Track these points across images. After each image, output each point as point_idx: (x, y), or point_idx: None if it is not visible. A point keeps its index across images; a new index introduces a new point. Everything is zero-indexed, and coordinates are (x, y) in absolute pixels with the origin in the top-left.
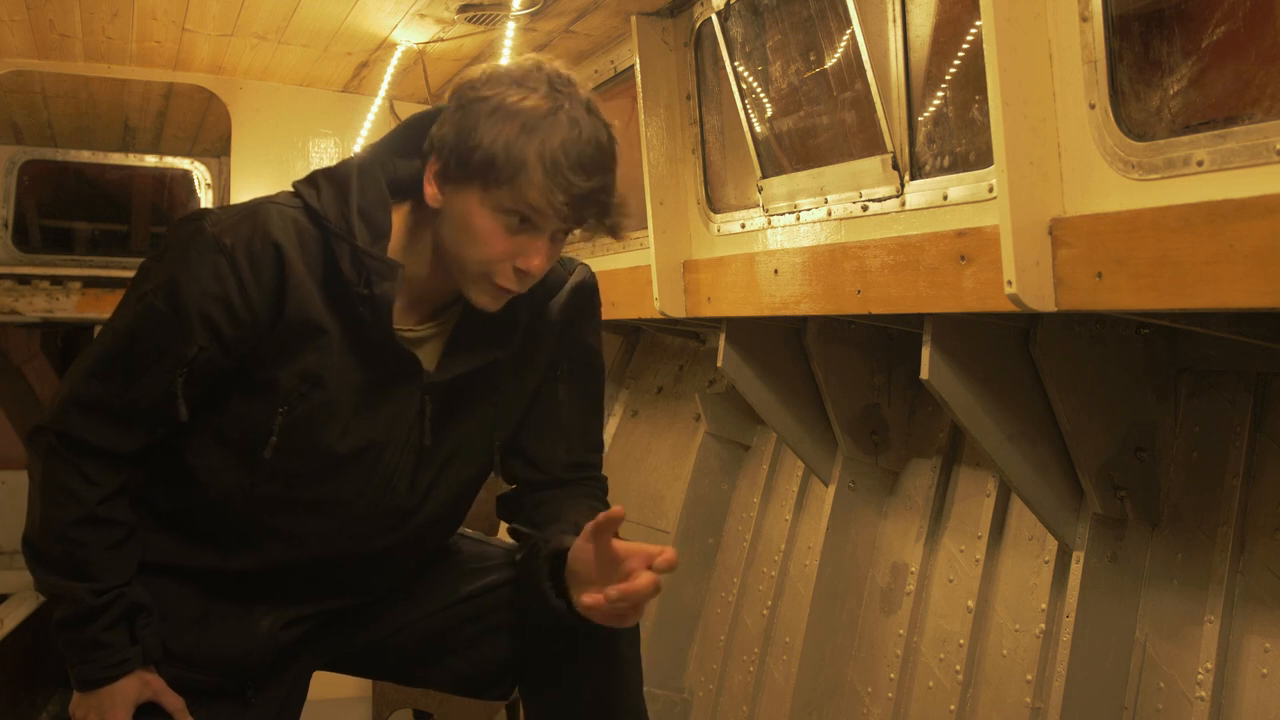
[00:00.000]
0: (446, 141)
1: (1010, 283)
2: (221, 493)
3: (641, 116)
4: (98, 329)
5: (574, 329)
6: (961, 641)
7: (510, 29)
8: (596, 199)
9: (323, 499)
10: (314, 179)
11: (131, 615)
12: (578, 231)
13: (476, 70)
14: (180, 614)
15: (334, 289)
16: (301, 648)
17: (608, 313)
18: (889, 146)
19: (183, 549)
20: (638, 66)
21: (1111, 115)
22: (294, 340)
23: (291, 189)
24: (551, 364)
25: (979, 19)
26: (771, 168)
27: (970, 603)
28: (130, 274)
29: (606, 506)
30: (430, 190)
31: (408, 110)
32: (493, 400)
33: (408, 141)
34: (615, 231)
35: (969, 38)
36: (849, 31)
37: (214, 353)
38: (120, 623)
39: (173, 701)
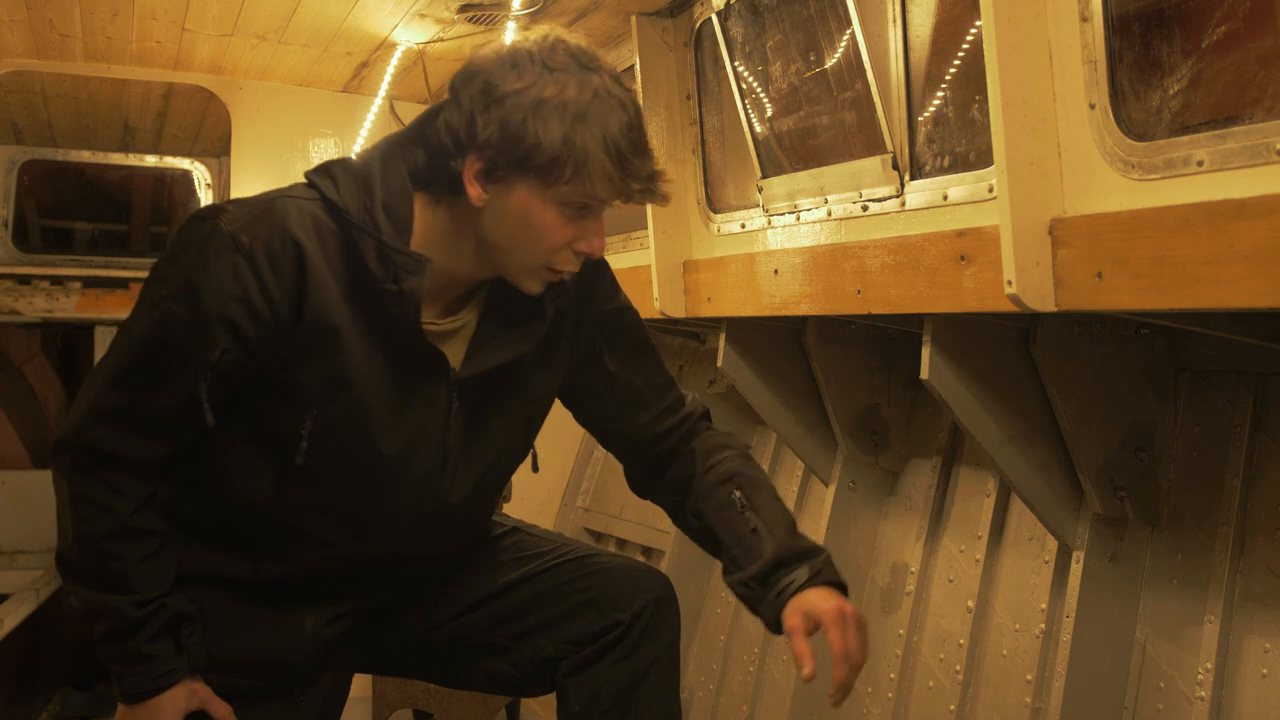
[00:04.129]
0: (490, 140)
1: (1010, 283)
2: (251, 498)
3: None
4: (98, 330)
5: (593, 303)
6: (961, 641)
7: (510, 29)
8: (654, 175)
9: (356, 502)
10: (328, 170)
11: (175, 625)
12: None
13: (488, 54)
14: (223, 620)
15: (356, 285)
16: (344, 643)
17: None
18: (889, 146)
19: (217, 558)
20: (638, 66)
21: (1111, 115)
22: (315, 341)
23: (305, 181)
24: (585, 345)
25: (979, 19)
26: (771, 168)
27: (970, 603)
28: (130, 274)
29: (744, 462)
30: (474, 191)
31: (408, 110)
32: (522, 393)
33: (419, 133)
34: (666, 198)
35: (969, 38)
36: (849, 31)
37: (237, 355)
38: (165, 633)
39: (220, 709)
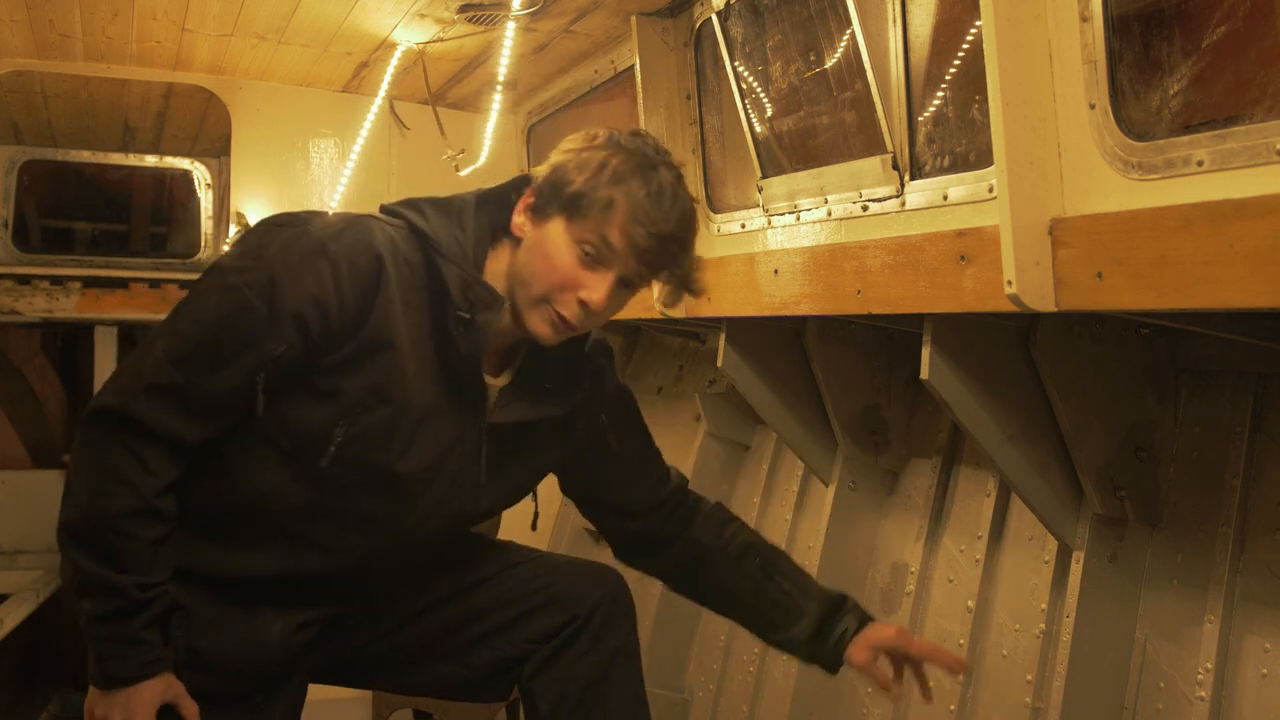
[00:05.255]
0: (545, 179)
1: (1010, 283)
2: (259, 495)
3: (641, 116)
4: (98, 330)
5: (600, 383)
6: (961, 641)
7: (510, 29)
8: (669, 248)
9: (363, 514)
10: (415, 205)
11: (168, 615)
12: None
13: (589, 132)
14: (195, 618)
15: (424, 312)
16: (307, 651)
17: None
18: (889, 146)
19: (201, 550)
20: (638, 66)
21: (1111, 115)
22: (370, 352)
23: (385, 211)
24: (591, 420)
25: (979, 19)
26: (771, 168)
27: (970, 603)
28: (130, 274)
29: (753, 533)
30: (519, 220)
31: (408, 110)
32: (537, 453)
33: (507, 191)
34: (690, 286)
35: (969, 38)
36: (849, 31)
37: (297, 353)
38: (157, 621)
39: (190, 708)
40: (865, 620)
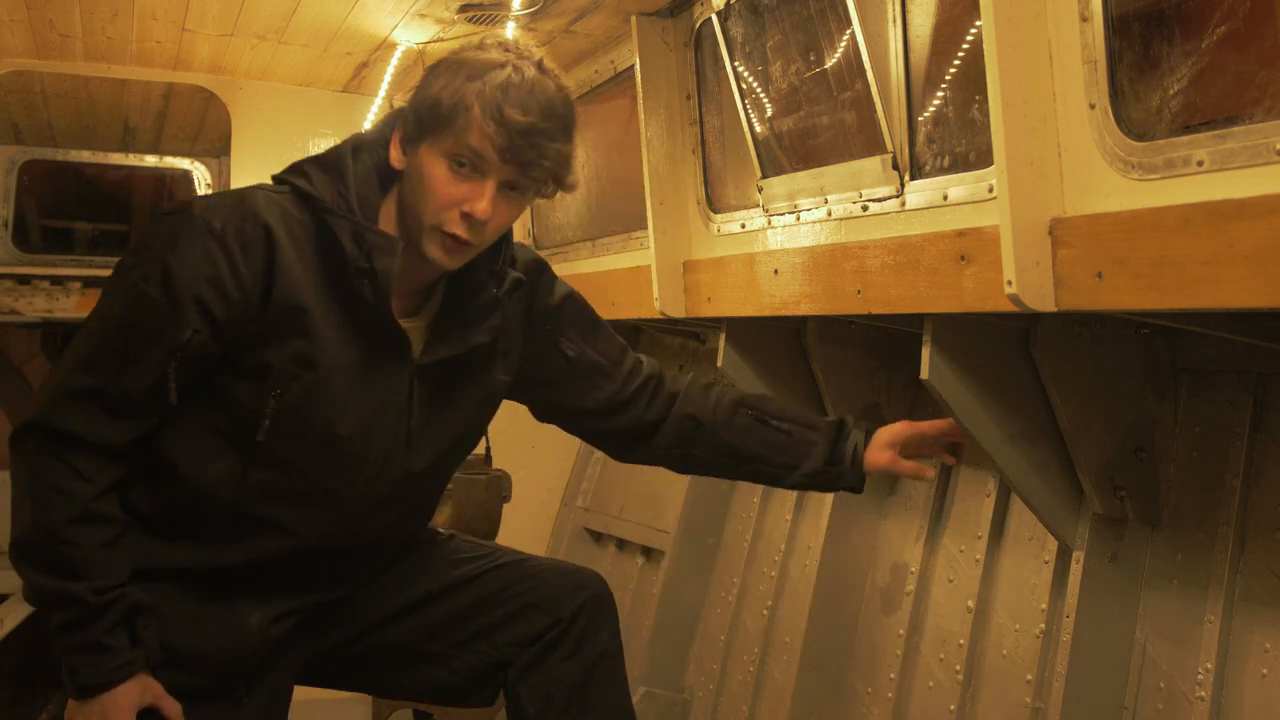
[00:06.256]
0: (408, 104)
1: (1010, 283)
2: (209, 484)
3: (641, 116)
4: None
5: (538, 301)
6: (961, 641)
7: (510, 29)
8: (535, 140)
9: (313, 484)
10: (299, 168)
11: (132, 616)
12: (540, 201)
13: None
14: (168, 615)
15: (325, 272)
16: (288, 644)
17: (608, 313)
18: (889, 146)
19: (165, 549)
20: (638, 66)
21: (1111, 115)
22: (283, 321)
23: (274, 179)
24: (539, 341)
25: (979, 19)
26: (771, 168)
27: (970, 603)
28: None
29: (734, 390)
30: (395, 153)
31: None
32: (478, 383)
33: (379, 135)
34: (562, 182)
35: (969, 38)
36: (849, 31)
37: (205, 336)
38: (121, 624)
39: (171, 707)
40: (871, 431)
